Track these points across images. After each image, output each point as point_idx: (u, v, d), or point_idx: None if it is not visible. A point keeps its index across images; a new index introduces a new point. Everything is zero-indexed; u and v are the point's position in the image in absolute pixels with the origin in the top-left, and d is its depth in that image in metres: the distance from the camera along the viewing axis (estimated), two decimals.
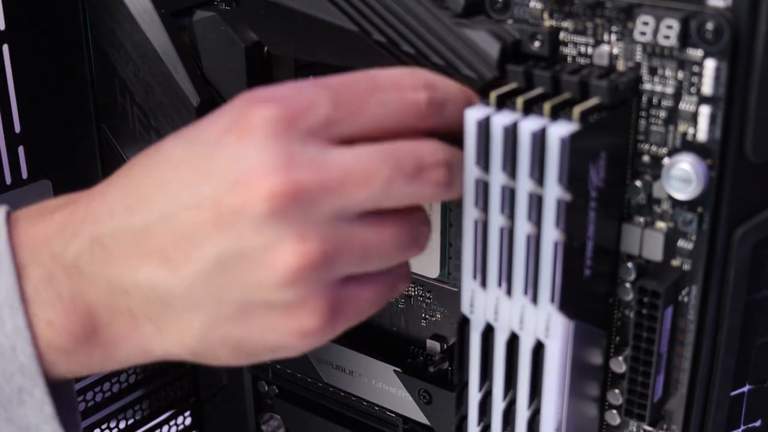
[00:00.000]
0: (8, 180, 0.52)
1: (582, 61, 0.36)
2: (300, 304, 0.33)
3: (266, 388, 0.56)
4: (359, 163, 0.32)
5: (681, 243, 0.36)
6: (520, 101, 0.34)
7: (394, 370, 0.48)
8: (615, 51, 0.35)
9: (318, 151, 0.32)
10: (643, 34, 0.34)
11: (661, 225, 0.36)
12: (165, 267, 0.33)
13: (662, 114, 0.35)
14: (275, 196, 0.31)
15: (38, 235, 0.34)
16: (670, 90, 0.34)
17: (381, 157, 0.32)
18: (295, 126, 0.32)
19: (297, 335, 0.33)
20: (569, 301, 0.35)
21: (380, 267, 0.34)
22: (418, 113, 0.34)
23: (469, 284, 0.36)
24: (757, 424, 0.39)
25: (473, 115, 0.34)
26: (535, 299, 0.35)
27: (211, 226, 0.32)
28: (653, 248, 0.36)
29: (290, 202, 0.31)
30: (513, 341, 0.36)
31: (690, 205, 0.35)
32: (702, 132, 0.34)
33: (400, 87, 0.34)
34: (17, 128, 0.52)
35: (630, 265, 0.37)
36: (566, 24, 0.36)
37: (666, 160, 0.35)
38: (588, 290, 0.36)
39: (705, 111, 0.33)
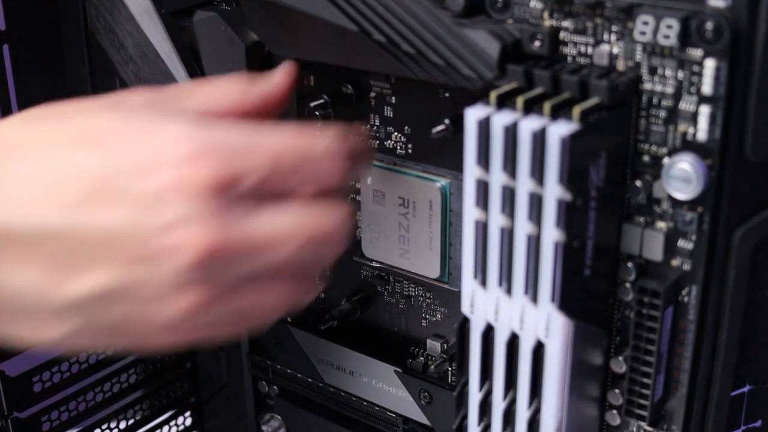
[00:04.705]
0: None
1: (582, 60, 0.36)
2: (177, 328, 0.34)
3: (267, 388, 0.56)
4: (276, 235, 0.34)
5: (681, 243, 0.36)
6: (520, 101, 0.34)
7: (395, 370, 0.48)
8: (615, 51, 0.35)
9: (245, 213, 0.34)
10: (643, 33, 0.34)
11: (661, 225, 0.36)
12: (48, 277, 0.33)
13: (662, 114, 0.35)
14: (201, 252, 0.32)
15: None
16: (670, 90, 0.34)
17: (298, 231, 0.35)
18: (233, 189, 0.33)
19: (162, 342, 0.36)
20: (569, 301, 0.35)
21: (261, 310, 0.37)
22: (341, 180, 0.36)
23: (469, 284, 0.36)
24: (758, 424, 0.39)
25: (474, 114, 0.34)
26: (535, 299, 0.35)
27: (124, 258, 0.32)
28: (653, 248, 0.36)
29: (211, 260, 0.33)
30: (513, 341, 0.36)
31: (690, 204, 0.35)
32: (702, 132, 0.34)
33: (333, 158, 0.36)
34: None
35: (630, 265, 0.37)
36: (566, 24, 0.36)
37: (666, 160, 0.35)
38: (588, 290, 0.36)
39: (705, 111, 0.33)
